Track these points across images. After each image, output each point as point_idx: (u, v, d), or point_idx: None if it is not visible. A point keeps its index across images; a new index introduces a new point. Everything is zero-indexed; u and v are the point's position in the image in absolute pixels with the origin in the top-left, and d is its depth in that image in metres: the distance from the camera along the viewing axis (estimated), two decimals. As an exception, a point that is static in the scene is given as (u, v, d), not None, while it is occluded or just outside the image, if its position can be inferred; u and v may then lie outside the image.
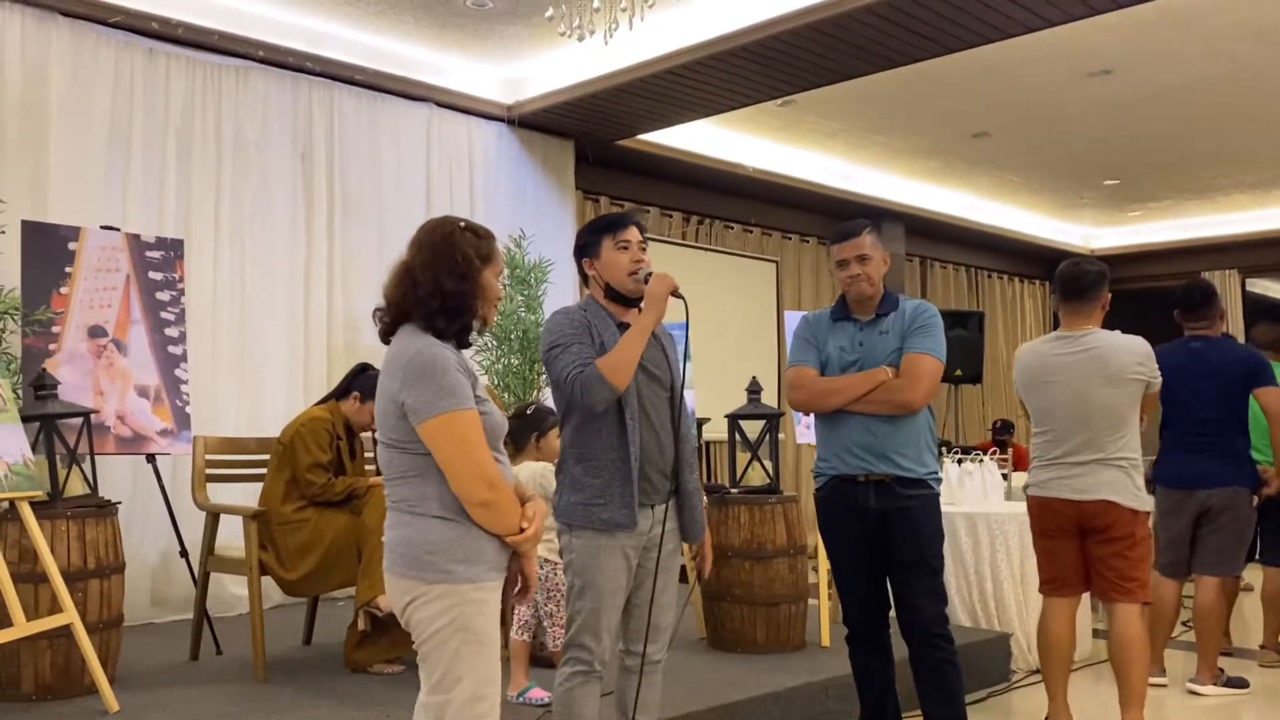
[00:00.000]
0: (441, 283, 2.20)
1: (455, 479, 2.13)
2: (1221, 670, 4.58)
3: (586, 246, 2.86)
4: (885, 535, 3.17)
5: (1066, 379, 3.75)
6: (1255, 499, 4.63)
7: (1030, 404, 3.91)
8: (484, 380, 6.13)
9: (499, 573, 2.21)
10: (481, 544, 2.17)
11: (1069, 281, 3.84)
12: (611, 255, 2.81)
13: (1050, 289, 4.09)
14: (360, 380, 4.29)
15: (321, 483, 4.06)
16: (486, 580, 2.17)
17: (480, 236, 2.28)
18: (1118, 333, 3.82)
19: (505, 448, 2.36)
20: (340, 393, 4.32)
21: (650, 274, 2.78)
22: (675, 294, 2.75)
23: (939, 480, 3.24)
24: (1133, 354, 3.73)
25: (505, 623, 3.72)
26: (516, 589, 2.28)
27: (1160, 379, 3.79)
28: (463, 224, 2.29)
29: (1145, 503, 3.73)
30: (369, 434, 4.44)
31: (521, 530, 2.19)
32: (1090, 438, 3.71)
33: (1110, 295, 3.88)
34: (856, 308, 3.29)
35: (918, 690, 3.18)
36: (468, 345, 2.29)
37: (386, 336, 2.28)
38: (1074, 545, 3.79)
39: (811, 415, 3.44)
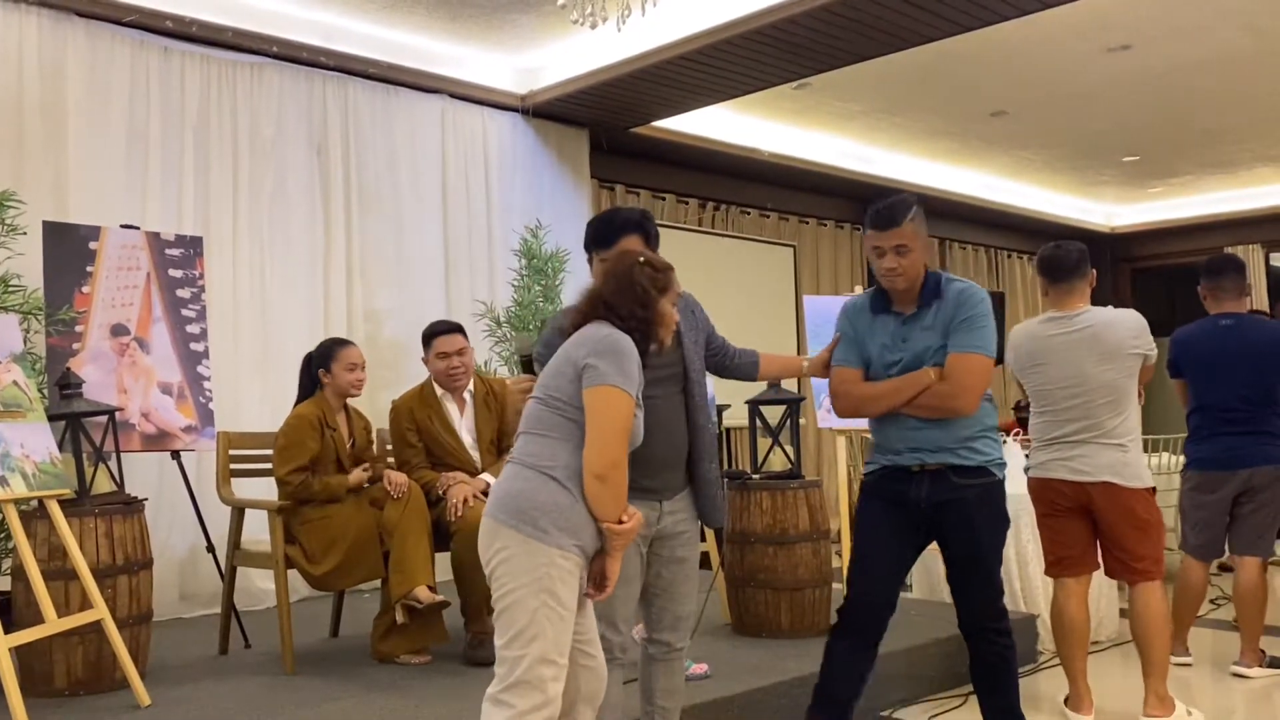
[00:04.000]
0: (634, 311, 2.48)
1: (590, 444, 2.31)
2: (1263, 651, 4.51)
3: (599, 241, 2.88)
4: (938, 527, 3.03)
5: (1062, 359, 3.72)
6: None
7: (1027, 385, 3.88)
8: (503, 371, 6.15)
9: (585, 556, 2.35)
10: (583, 521, 2.32)
11: (1055, 263, 3.80)
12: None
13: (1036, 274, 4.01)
14: (316, 360, 4.23)
15: (296, 483, 4.01)
16: (573, 553, 2.30)
17: (657, 269, 2.55)
18: (1110, 308, 3.79)
19: None
20: (311, 385, 4.25)
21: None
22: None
23: (1002, 465, 3.06)
24: (1128, 328, 3.69)
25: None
26: (590, 585, 2.39)
27: (1155, 350, 3.74)
28: (642, 259, 2.56)
29: (1147, 479, 3.70)
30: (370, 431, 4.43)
31: (621, 522, 2.33)
32: (1089, 418, 3.68)
33: (1095, 272, 3.85)
34: (897, 298, 3.06)
35: (971, 677, 3.12)
36: (644, 367, 2.49)
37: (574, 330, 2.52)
38: (1079, 523, 3.76)
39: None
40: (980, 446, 3.01)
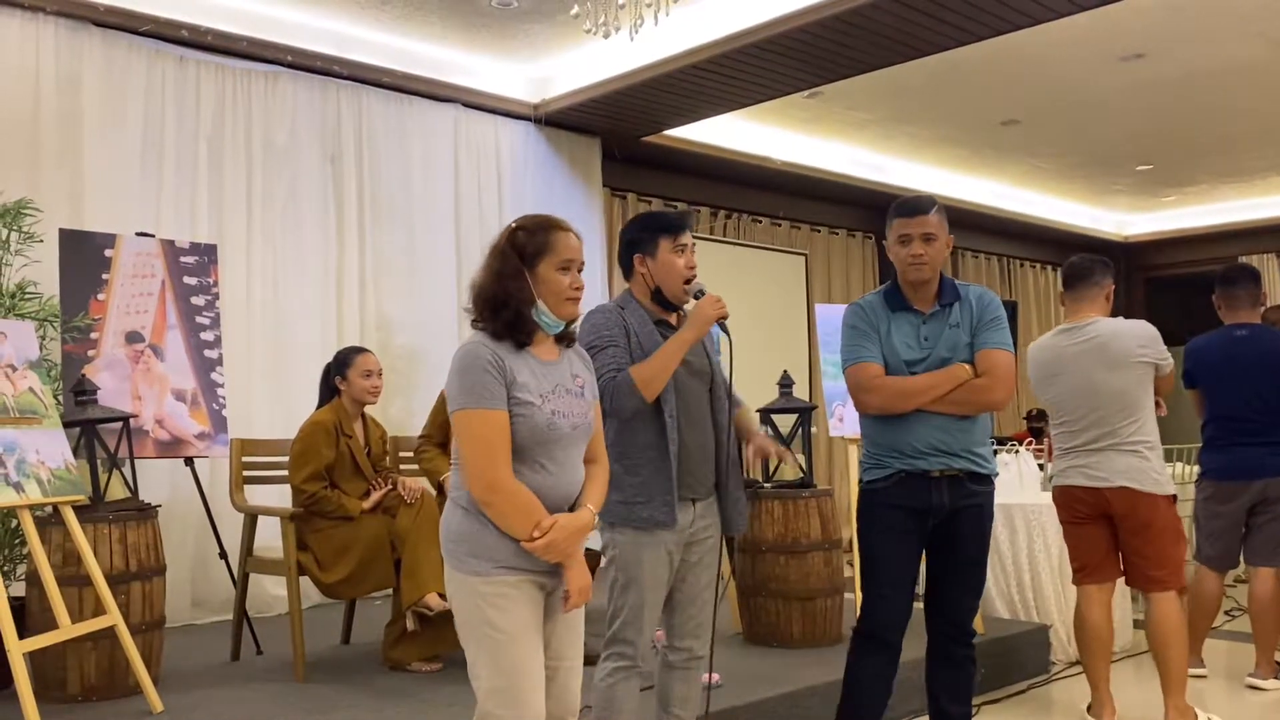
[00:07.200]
0: (490, 293, 2.28)
1: (465, 474, 2.23)
2: (1278, 663, 4.47)
3: (640, 243, 2.79)
4: (952, 532, 2.98)
5: (1073, 369, 3.79)
6: None
7: (1044, 397, 3.94)
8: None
9: (518, 572, 2.21)
10: (495, 542, 2.21)
11: (1070, 270, 3.92)
12: (668, 257, 2.76)
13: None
14: (333, 368, 4.29)
15: (311, 492, 4.03)
16: (495, 575, 2.20)
17: (531, 232, 2.30)
18: (1120, 319, 3.84)
19: None
20: (330, 393, 4.29)
21: (703, 291, 2.76)
22: (722, 324, 2.73)
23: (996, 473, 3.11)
24: (1135, 337, 3.74)
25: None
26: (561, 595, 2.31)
27: (1170, 361, 3.79)
28: (515, 224, 2.34)
29: (1167, 486, 3.71)
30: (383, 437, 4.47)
31: (533, 539, 2.17)
32: (1104, 425, 3.72)
33: (1114, 286, 3.93)
34: (914, 296, 3.01)
35: (934, 684, 3.07)
36: (525, 344, 2.28)
37: None
38: (1101, 530, 3.80)
39: (848, 406, 3.34)
40: (988, 454, 3.04)
